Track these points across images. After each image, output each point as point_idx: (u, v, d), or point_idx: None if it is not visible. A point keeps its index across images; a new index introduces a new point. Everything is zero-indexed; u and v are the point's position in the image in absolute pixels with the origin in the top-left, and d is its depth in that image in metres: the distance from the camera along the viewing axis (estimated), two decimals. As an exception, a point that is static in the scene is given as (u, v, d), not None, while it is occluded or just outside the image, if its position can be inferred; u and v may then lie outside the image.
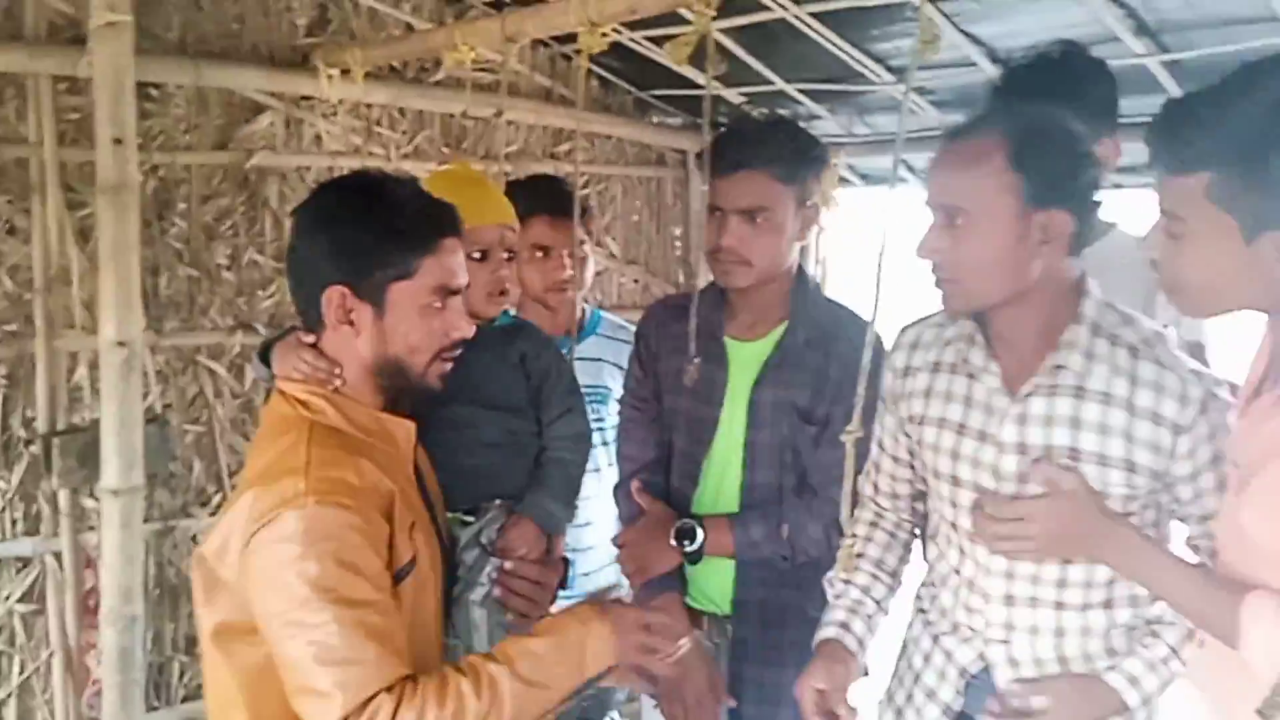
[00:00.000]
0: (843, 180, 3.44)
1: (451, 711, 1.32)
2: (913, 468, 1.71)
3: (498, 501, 1.71)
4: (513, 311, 2.07)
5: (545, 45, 3.36)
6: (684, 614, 1.99)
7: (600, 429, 2.44)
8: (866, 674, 2.02)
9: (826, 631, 1.69)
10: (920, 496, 1.75)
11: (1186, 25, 2.12)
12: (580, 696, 1.44)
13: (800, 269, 2.02)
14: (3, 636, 2.66)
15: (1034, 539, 1.41)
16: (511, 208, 1.93)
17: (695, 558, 1.97)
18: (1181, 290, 1.33)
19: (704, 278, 2.07)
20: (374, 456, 1.45)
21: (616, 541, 2.07)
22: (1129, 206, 2.26)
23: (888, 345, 1.77)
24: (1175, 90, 2.23)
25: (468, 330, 1.52)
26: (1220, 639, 1.33)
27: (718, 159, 1.89)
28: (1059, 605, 1.52)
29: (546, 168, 3.31)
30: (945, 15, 2.34)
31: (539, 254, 2.33)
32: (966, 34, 2.40)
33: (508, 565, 1.65)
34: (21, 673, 2.67)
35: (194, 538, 2.83)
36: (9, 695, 2.66)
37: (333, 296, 1.44)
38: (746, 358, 1.99)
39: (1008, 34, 2.36)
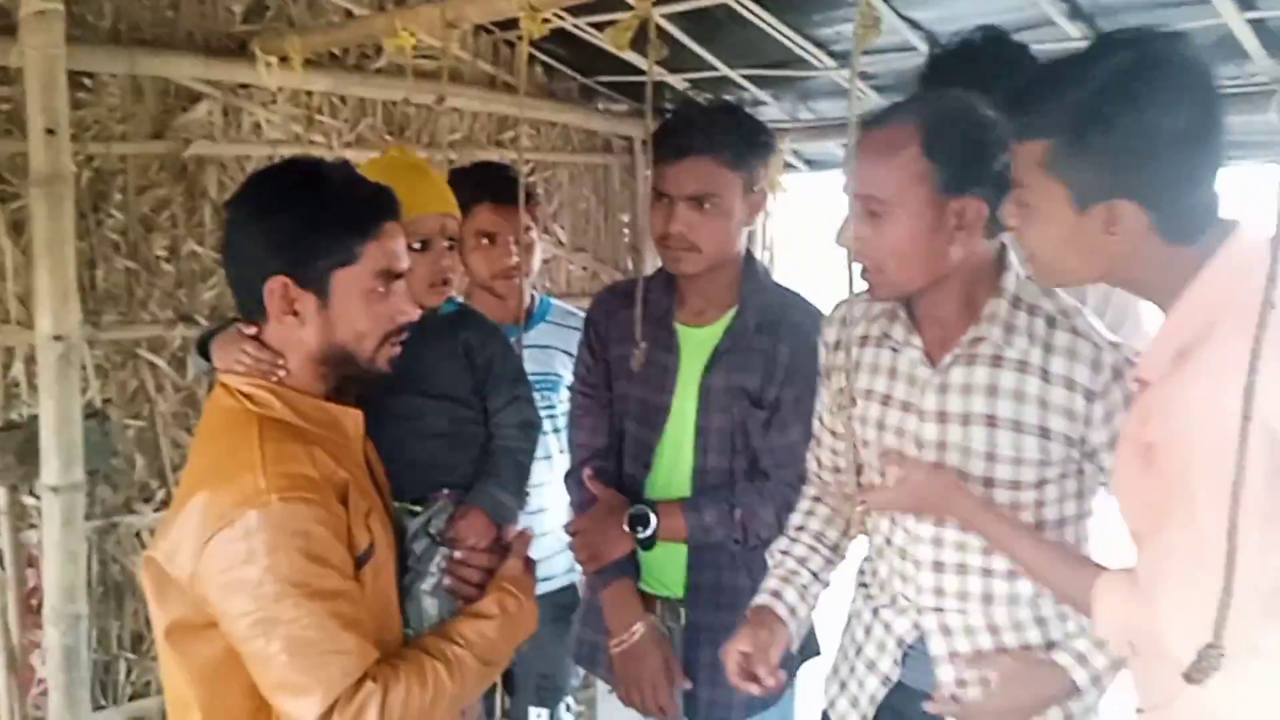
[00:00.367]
0: (788, 166, 3.47)
1: (432, 694, 1.40)
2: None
3: (446, 491, 1.71)
4: (459, 298, 2.06)
5: (488, 31, 3.34)
6: (638, 600, 2.01)
7: (551, 416, 2.44)
8: (819, 652, 2.07)
9: (758, 599, 1.75)
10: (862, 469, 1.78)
11: (1119, 9, 2.16)
12: None
13: (749, 254, 2.04)
14: (-59, 639, 2.60)
15: (902, 500, 1.52)
16: (452, 195, 1.91)
17: (648, 543, 1.98)
18: (1030, 258, 1.37)
19: (652, 264, 2.08)
20: (325, 446, 1.44)
21: (569, 529, 2.08)
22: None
23: None
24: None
25: (413, 313, 1.52)
26: (1071, 604, 1.43)
27: (664, 145, 1.90)
28: (986, 572, 1.57)
29: (492, 155, 3.29)
30: (885, 0, 2.36)
31: (484, 241, 2.32)
32: (906, 19, 2.42)
33: (458, 555, 1.65)
34: (-38, 675, 2.61)
35: (138, 534, 2.78)
36: (-50, 699, 2.61)
37: (274, 287, 1.42)
38: (697, 343, 2.00)
39: (946, 18, 2.39)
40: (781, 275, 2.76)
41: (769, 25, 2.68)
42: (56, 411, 2.25)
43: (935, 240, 1.49)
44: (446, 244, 1.85)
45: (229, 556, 1.31)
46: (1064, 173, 1.24)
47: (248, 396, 1.45)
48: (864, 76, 2.81)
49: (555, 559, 2.40)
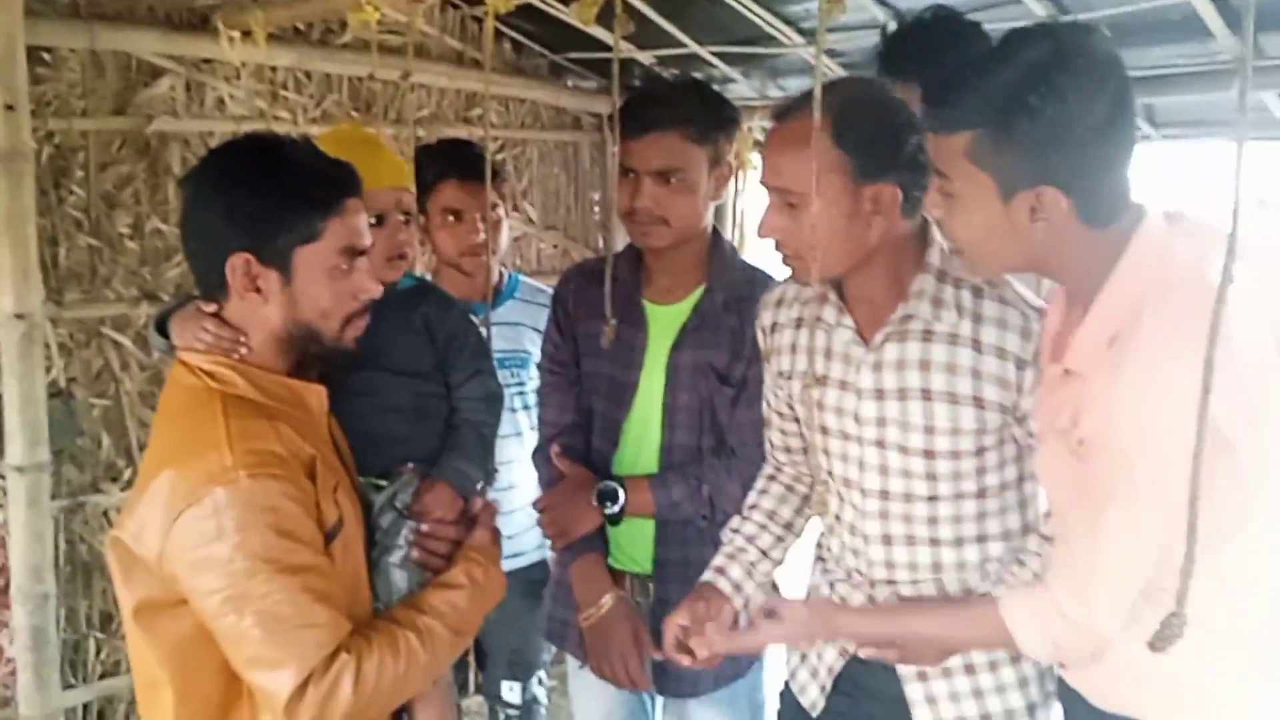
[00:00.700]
0: (758, 144, 3.47)
1: (405, 665, 1.41)
2: (797, 421, 1.77)
3: (410, 465, 1.71)
4: (427, 276, 2.06)
5: (455, 6, 3.31)
6: (606, 573, 2.02)
7: (521, 393, 2.44)
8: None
9: (704, 575, 1.78)
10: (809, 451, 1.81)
11: (1084, -13, 2.18)
12: None
13: (716, 232, 2.05)
14: (-94, 621, 2.58)
15: (789, 638, 1.61)
16: (405, 169, 1.91)
17: (616, 519, 1.99)
18: (959, 249, 1.40)
19: (622, 242, 2.08)
20: (290, 423, 1.44)
21: (538, 505, 2.08)
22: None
23: None
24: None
25: (376, 290, 1.52)
26: (1002, 647, 1.51)
27: (629, 121, 1.90)
28: (934, 541, 1.60)
29: (459, 132, 3.27)
30: (853, -23, 2.36)
31: (451, 218, 2.31)
32: (874, -4, 2.43)
33: (425, 528, 1.66)
34: (-71, 657, 2.60)
35: (105, 514, 2.77)
36: (-84, 681, 2.59)
37: (237, 264, 1.41)
38: (665, 321, 2.01)
39: (915, -4, 2.39)
40: (751, 253, 2.77)
41: (738, 2, 2.67)
42: (20, 391, 2.23)
43: (852, 227, 1.51)
44: (402, 218, 1.85)
45: (198, 534, 1.31)
46: (989, 163, 1.27)
47: (209, 374, 1.44)
48: (832, 54, 2.81)
49: (525, 535, 2.41)
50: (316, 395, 1.53)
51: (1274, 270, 1.28)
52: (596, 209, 3.88)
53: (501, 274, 2.51)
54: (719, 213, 3.53)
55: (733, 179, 2.02)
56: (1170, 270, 1.25)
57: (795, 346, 1.71)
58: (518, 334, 2.45)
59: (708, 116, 1.91)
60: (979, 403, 1.52)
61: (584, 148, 3.82)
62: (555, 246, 3.78)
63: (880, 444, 1.59)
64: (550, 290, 2.34)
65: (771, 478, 1.86)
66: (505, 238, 2.49)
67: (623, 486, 1.98)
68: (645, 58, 3.23)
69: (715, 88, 2.07)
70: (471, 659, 2.54)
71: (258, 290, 1.43)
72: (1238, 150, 1.11)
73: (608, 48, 3.22)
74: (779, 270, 1.63)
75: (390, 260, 1.82)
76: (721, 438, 1.98)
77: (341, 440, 1.65)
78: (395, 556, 1.62)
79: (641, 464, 2.02)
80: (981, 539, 1.60)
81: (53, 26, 2.55)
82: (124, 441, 2.80)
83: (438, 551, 1.66)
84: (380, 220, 1.80)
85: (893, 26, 2.03)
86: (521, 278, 2.59)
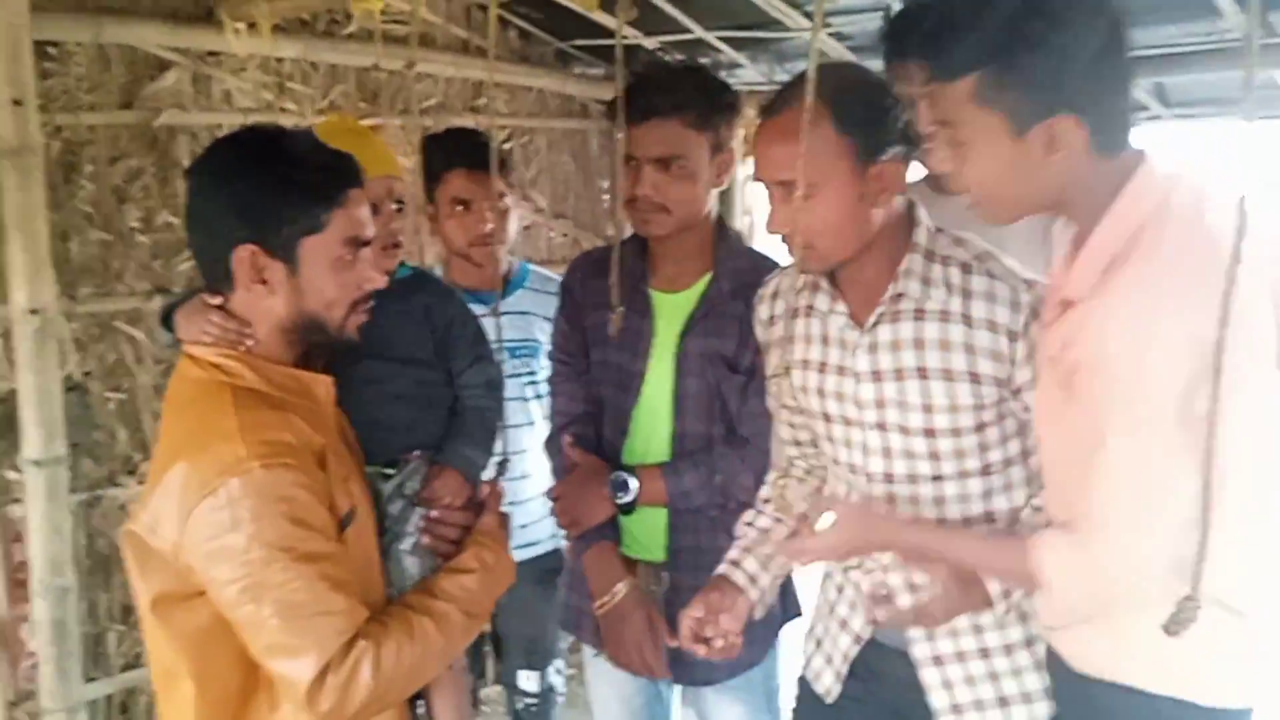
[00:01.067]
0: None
1: (421, 649, 1.43)
2: (804, 413, 1.76)
3: (416, 453, 1.72)
4: (433, 265, 2.06)
5: (461, -5, 3.30)
6: (620, 561, 2.03)
7: (533, 382, 2.45)
8: (800, 613, 2.09)
9: (719, 568, 1.78)
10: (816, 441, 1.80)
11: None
12: None
13: (720, 219, 2.04)
14: (-72, 615, 2.60)
15: (834, 547, 1.50)
16: (395, 158, 1.91)
17: (629, 508, 2.00)
18: (975, 200, 1.38)
19: (630, 230, 2.08)
20: (299, 413, 1.45)
21: (551, 495, 2.09)
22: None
23: None
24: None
25: (379, 280, 1.53)
26: (1019, 584, 1.44)
27: (630, 108, 1.90)
28: (942, 522, 1.60)
29: (467, 122, 3.26)
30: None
31: (459, 208, 2.31)
32: (880, -23, 2.41)
33: (434, 514, 1.67)
34: (-49, 651, 2.62)
35: (123, 506, 2.78)
36: (-61, 674, 2.62)
37: (243, 255, 1.42)
38: (671, 309, 2.01)
39: (920, -24, 2.38)
40: (760, 240, 2.76)
41: (743, -15, 2.66)
42: (36, 385, 2.25)
43: (861, 209, 1.52)
44: (395, 207, 1.85)
45: (214, 525, 1.32)
46: (998, 101, 1.26)
47: (217, 367, 1.44)
48: (839, 37, 2.80)
49: (539, 524, 2.41)
50: (324, 386, 1.54)
51: (1273, 235, 1.27)
52: (606, 197, 3.87)
53: (511, 263, 2.51)
54: (726, 199, 3.52)
55: (736, 165, 2.00)
56: (1170, 204, 1.25)
57: (792, 336, 1.71)
58: (528, 323, 2.45)
59: (707, 102, 1.91)
60: (974, 378, 1.52)
61: (592, 135, 3.81)
62: (565, 235, 3.77)
63: (881, 427, 1.59)
64: (560, 279, 2.34)
65: (785, 472, 1.84)
66: (514, 227, 2.49)
67: (635, 475, 1.98)
68: (651, 43, 3.21)
69: (722, 73, 2.08)
70: (489, 648, 2.55)
71: (264, 282, 1.44)
72: (1246, 128, 1.11)
73: (613, 34, 3.21)
74: (786, 258, 1.62)
75: (385, 249, 1.82)
76: (732, 426, 1.98)
77: (348, 430, 1.66)
78: (406, 543, 1.64)
79: (652, 453, 2.02)
80: (989, 517, 1.60)
81: (59, 21, 2.55)
82: (139, 435, 2.82)
83: (447, 537, 1.67)
84: (373, 209, 1.79)
85: (897, 7, 2.02)
86: (531, 267, 2.58)
